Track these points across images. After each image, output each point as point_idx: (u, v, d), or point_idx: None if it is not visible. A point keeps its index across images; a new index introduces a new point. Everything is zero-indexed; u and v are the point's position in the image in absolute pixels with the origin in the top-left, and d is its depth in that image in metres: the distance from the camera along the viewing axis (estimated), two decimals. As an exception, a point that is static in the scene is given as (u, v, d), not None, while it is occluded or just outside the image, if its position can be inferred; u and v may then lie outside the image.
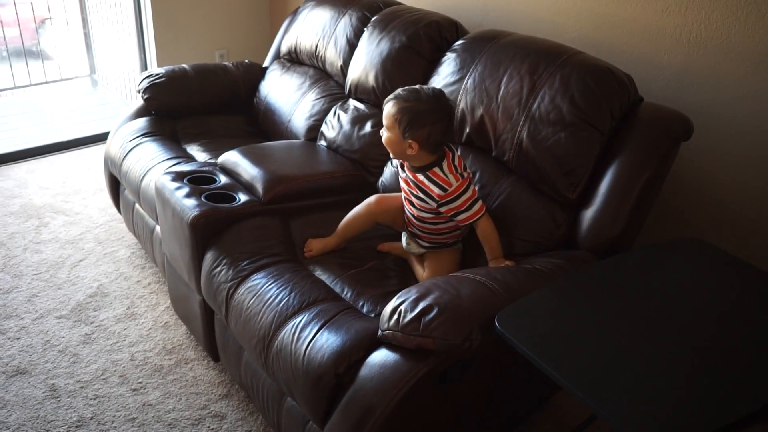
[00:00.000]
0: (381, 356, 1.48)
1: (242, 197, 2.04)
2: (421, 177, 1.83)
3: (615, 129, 1.81)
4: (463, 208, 1.82)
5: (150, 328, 2.35)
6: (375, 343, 1.52)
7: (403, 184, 1.92)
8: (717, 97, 1.98)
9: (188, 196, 2.00)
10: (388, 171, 2.24)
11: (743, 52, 1.90)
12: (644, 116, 1.81)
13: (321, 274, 1.88)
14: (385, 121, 1.79)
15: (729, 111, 1.96)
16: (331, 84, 2.57)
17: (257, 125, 2.79)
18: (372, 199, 1.98)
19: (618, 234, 1.75)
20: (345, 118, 2.37)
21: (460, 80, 2.06)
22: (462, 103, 2.02)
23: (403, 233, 2.03)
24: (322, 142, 2.43)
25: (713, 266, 1.62)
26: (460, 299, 1.46)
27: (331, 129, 2.40)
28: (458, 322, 1.41)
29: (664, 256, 1.64)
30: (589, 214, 1.80)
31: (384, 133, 1.81)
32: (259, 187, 2.05)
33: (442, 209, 1.83)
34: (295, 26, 2.81)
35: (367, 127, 2.28)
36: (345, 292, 1.81)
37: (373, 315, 1.72)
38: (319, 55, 2.60)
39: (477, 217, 1.83)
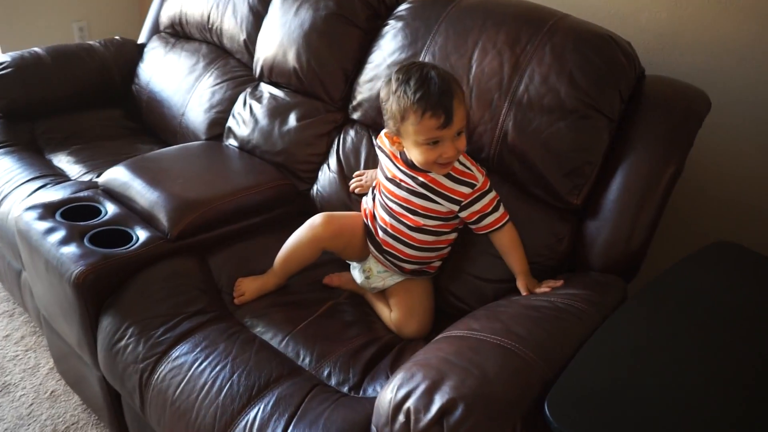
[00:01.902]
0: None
1: (141, 234, 1.52)
2: (435, 176, 1.42)
3: (623, 113, 1.44)
4: (488, 210, 1.42)
5: (31, 404, 1.79)
6: (370, 445, 1.10)
7: (395, 190, 1.47)
8: (711, 62, 1.66)
9: (65, 241, 1.45)
10: (323, 176, 1.77)
11: (745, 6, 1.57)
12: (655, 94, 1.45)
13: (264, 333, 1.41)
14: (460, 120, 1.33)
15: (726, 78, 1.64)
16: (232, 64, 2.04)
17: (140, 119, 2.21)
18: (317, 219, 1.52)
19: (639, 246, 1.40)
20: (260, 110, 1.86)
21: (413, 57, 1.60)
22: (420, 87, 1.58)
23: (354, 264, 1.59)
24: (231, 142, 1.91)
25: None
26: (488, 383, 1.05)
27: (242, 124, 1.88)
28: (495, 421, 1.01)
29: (711, 275, 1.31)
30: (599, 223, 1.44)
31: (462, 141, 1.37)
32: (163, 217, 1.53)
33: (463, 213, 1.43)
34: (175, -10, 2.22)
35: (291, 121, 1.79)
36: (302, 357, 1.36)
37: (346, 388, 1.29)
38: (214, 27, 2.04)
39: (503, 222, 1.44)
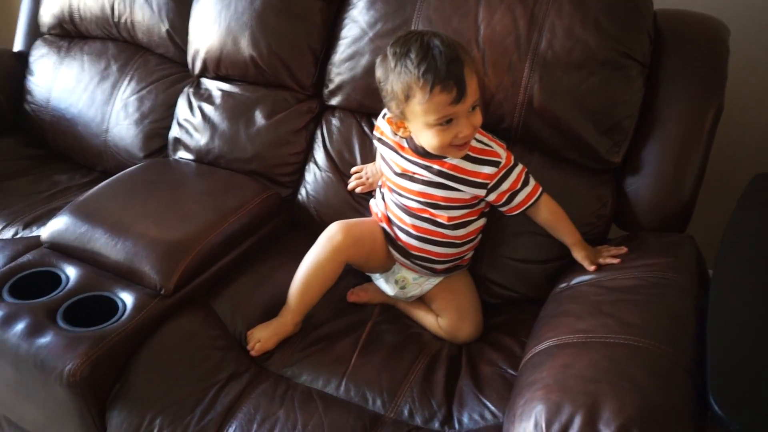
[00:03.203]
0: None
1: (126, 297, 1.21)
2: (452, 160, 1.22)
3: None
4: (518, 187, 1.25)
5: None
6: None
7: (410, 185, 1.27)
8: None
9: (34, 329, 1.13)
10: (312, 177, 1.51)
11: None
12: (673, 30, 1.34)
13: (314, 382, 1.19)
14: (473, 92, 1.14)
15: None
16: (154, 62, 1.69)
17: (46, 145, 1.80)
18: (333, 229, 1.28)
19: (690, 196, 1.31)
20: (214, 112, 1.55)
21: (404, 24, 1.38)
22: (419, 59, 1.36)
23: (376, 276, 1.39)
24: (183, 155, 1.59)
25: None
26: (648, 396, 0.90)
27: (194, 132, 1.57)
28: (671, 430, 0.88)
29: None
30: (643, 179, 1.33)
31: (478, 116, 1.18)
32: (150, 270, 1.23)
33: (491, 196, 1.25)
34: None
35: (259, 119, 1.51)
36: (372, 400, 1.16)
37: (437, 424, 1.12)
38: (122, 20, 1.68)
39: (538, 195, 1.27)
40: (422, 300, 1.38)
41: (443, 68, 1.10)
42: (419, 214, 1.28)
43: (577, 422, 0.89)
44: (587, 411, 0.89)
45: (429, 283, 1.35)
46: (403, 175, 1.28)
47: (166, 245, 1.25)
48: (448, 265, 1.33)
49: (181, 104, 1.60)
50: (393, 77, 1.14)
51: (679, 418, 0.89)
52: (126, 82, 1.68)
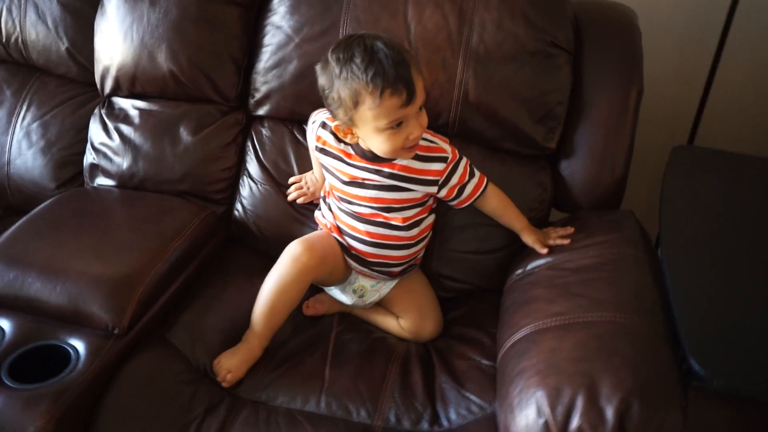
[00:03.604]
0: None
1: (76, 343, 1.12)
2: (402, 162, 1.22)
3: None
4: (466, 179, 1.28)
5: None
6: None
7: (360, 192, 1.26)
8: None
9: (-21, 392, 1.01)
10: (248, 191, 1.46)
11: None
12: (589, 18, 1.41)
13: (293, 402, 1.16)
14: (421, 93, 1.15)
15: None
16: (53, 84, 1.55)
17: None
18: (297, 249, 1.24)
19: (622, 173, 1.39)
20: (134, 133, 1.45)
21: (332, 27, 1.35)
22: (351, 63, 1.34)
23: (333, 288, 1.37)
24: (103, 182, 1.47)
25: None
26: (638, 367, 0.95)
27: (114, 156, 1.46)
28: (668, 399, 0.93)
29: (704, 182, 1.35)
30: (577, 161, 1.39)
31: (424, 117, 1.19)
32: (98, 309, 1.13)
33: (442, 192, 1.27)
34: None
35: (185, 136, 1.43)
36: (356, 412, 1.15)
37: (426, 425, 1.13)
38: (12, 40, 1.53)
39: (484, 185, 1.29)
40: (379, 304, 1.37)
41: (391, 72, 1.09)
42: (372, 219, 1.27)
43: (579, 403, 0.93)
44: (587, 390, 0.93)
45: (386, 287, 1.35)
46: (352, 183, 1.26)
47: (113, 281, 1.16)
48: (404, 266, 1.33)
49: (94, 127, 1.49)
50: (339, 84, 1.12)
51: (669, 384, 0.95)
52: (24, 108, 1.53)
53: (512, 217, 1.34)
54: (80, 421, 1.05)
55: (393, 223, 1.26)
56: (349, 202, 1.27)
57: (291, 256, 1.23)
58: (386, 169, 1.23)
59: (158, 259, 1.23)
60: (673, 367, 0.98)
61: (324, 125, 1.28)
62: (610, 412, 0.91)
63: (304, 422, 1.10)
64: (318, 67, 1.18)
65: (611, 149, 1.37)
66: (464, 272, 1.41)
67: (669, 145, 1.76)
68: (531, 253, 1.31)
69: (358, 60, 1.10)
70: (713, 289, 1.09)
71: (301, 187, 1.41)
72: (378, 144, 1.17)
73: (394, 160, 1.22)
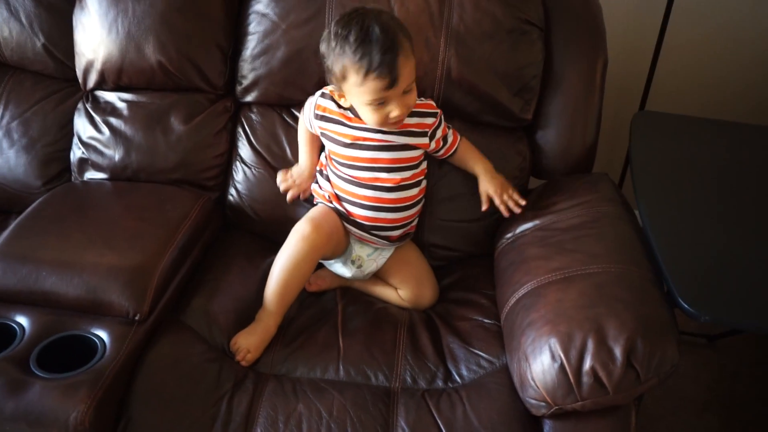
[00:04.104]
0: None
1: (99, 332, 1.14)
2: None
3: (543, 19, 1.48)
4: (447, 132, 1.42)
5: None
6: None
7: (360, 153, 1.33)
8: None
9: (13, 384, 1.04)
10: (242, 176, 1.49)
11: None
12: (551, -5, 1.51)
13: (313, 371, 1.22)
14: (411, 80, 1.24)
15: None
16: (30, 81, 1.54)
17: None
18: (306, 228, 1.29)
19: (593, 139, 1.50)
20: (124, 125, 1.46)
21: (317, 14, 1.40)
22: (338, 46, 1.40)
23: (333, 261, 1.43)
24: (95, 175, 1.48)
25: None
26: (637, 309, 1.06)
27: (104, 149, 1.46)
28: (666, 336, 1.04)
29: (669, 144, 1.48)
30: (551, 130, 1.50)
31: (411, 97, 1.27)
32: (118, 297, 1.16)
33: (432, 143, 1.38)
34: None
35: (177, 125, 1.45)
36: (374, 377, 1.21)
37: (441, 383, 1.21)
38: (-17, 37, 1.51)
39: (459, 137, 1.44)
40: (377, 276, 1.44)
41: (377, 57, 1.17)
42: (370, 183, 1.34)
43: (590, 345, 1.03)
44: (595, 333, 1.03)
45: (382, 257, 1.42)
46: (353, 144, 1.33)
47: (130, 269, 1.19)
48: (400, 231, 1.40)
49: (80, 122, 1.49)
50: (332, 56, 1.22)
51: (665, 322, 1.06)
52: (2, 107, 1.51)
53: (477, 160, 1.43)
54: (115, 405, 1.08)
55: (388, 185, 1.34)
56: (349, 167, 1.34)
57: (301, 235, 1.29)
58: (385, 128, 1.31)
59: (169, 245, 1.26)
60: (667, 308, 1.09)
61: (323, 94, 1.36)
62: (618, 351, 1.01)
63: (329, 389, 1.16)
64: (324, 34, 1.26)
65: (582, 117, 1.48)
66: (454, 240, 1.50)
67: (622, 111, 1.91)
68: (518, 218, 1.40)
69: (351, 39, 1.18)
70: (691, 237, 1.21)
71: (286, 180, 1.44)
72: (363, 114, 1.28)
73: None
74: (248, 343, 1.23)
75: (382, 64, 1.17)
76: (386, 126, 1.28)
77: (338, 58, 1.20)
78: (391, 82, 1.19)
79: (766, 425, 1.66)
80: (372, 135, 1.32)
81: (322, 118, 1.35)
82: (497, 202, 1.38)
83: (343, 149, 1.34)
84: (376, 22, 1.19)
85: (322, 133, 1.36)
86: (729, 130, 1.57)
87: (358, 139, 1.32)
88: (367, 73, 1.18)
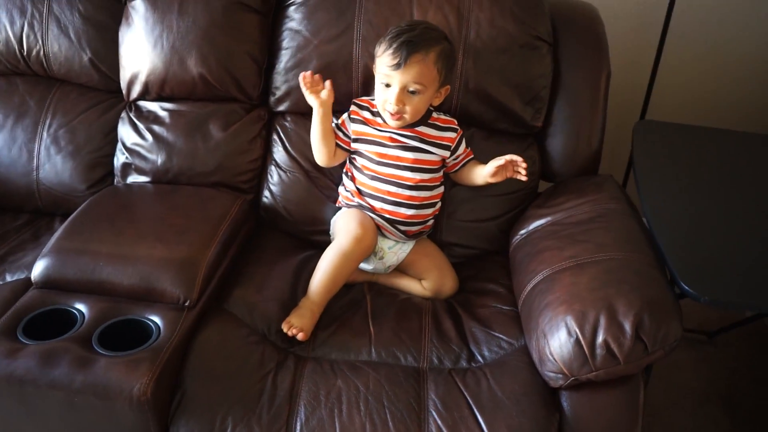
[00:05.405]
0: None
1: (153, 316, 1.25)
2: (423, 129, 1.50)
3: (551, 35, 1.61)
4: (467, 150, 1.58)
5: None
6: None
7: (385, 151, 1.49)
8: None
9: (81, 360, 1.14)
10: (277, 179, 1.61)
11: None
12: (561, 13, 1.64)
13: (347, 354, 1.32)
14: (418, 82, 1.38)
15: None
16: (76, 93, 1.66)
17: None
18: (357, 230, 1.43)
19: (598, 145, 1.63)
20: (166, 132, 1.58)
21: (347, 29, 1.53)
22: (365, 58, 1.53)
23: None
24: (138, 178, 1.60)
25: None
26: (643, 289, 1.18)
27: (148, 154, 1.58)
28: (670, 313, 1.15)
29: (671, 151, 1.61)
30: (559, 137, 1.63)
31: (413, 100, 1.41)
32: (170, 285, 1.27)
33: (452, 159, 1.54)
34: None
35: (216, 132, 1.57)
36: (404, 358, 1.32)
37: (464, 363, 1.31)
38: (33, 53, 1.62)
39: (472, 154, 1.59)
40: (398, 270, 1.55)
41: (399, 40, 1.37)
42: (393, 180, 1.48)
43: (602, 321, 1.14)
44: (607, 311, 1.14)
45: (402, 250, 1.53)
46: (379, 143, 1.49)
47: (179, 260, 1.30)
48: (416, 228, 1.52)
49: (124, 129, 1.61)
50: (382, 39, 1.41)
51: (668, 301, 1.17)
52: (49, 116, 1.63)
53: (480, 163, 1.54)
54: (171, 380, 1.18)
55: (408, 183, 1.48)
56: (377, 162, 1.48)
57: (354, 236, 1.42)
58: (408, 133, 1.47)
59: (213, 240, 1.38)
60: (669, 289, 1.20)
61: (356, 104, 1.52)
62: (627, 326, 1.12)
63: (364, 368, 1.26)
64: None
65: (588, 125, 1.60)
66: (470, 239, 1.61)
67: (623, 121, 2.04)
68: (530, 216, 1.53)
69: (397, 28, 1.39)
70: (691, 229, 1.33)
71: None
72: (376, 91, 1.44)
73: (418, 126, 1.47)
74: (301, 323, 1.33)
75: (400, 47, 1.36)
76: (385, 114, 1.44)
77: (383, 38, 1.40)
78: (398, 64, 1.36)
79: (761, 414, 1.77)
80: (397, 136, 1.47)
81: (354, 121, 1.50)
82: (503, 164, 1.45)
83: (370, 147, 1.49)
84: (422, 24, 1.40)
85: (353, 131, 1.50)
86: (722, 138, 1.70)
87: (384, 138, 1.47)
88: (386, 49, 1.37)
